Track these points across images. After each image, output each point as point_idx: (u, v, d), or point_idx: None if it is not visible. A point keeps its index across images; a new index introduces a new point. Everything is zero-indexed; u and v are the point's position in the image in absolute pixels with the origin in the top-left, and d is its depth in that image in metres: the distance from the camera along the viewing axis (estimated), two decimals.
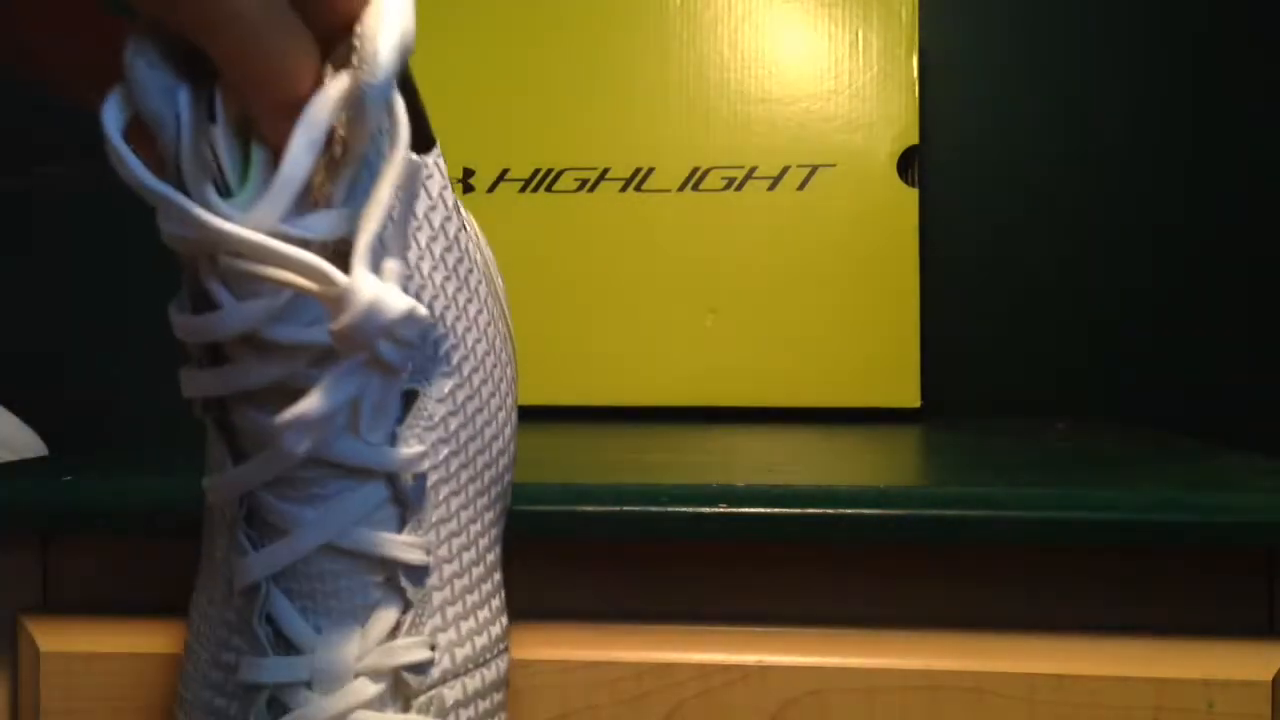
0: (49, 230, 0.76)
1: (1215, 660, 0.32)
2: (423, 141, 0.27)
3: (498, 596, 0.29)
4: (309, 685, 0.24)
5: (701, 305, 0.63)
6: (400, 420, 0.25)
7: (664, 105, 0.64)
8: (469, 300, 0.28)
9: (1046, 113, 0.70)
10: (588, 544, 0.34)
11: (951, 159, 0.70)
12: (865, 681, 0.32)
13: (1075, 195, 0.70)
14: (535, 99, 0.65)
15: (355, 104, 0.20)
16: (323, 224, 0.21)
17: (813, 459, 0.41)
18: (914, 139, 0.63)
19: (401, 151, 0.20)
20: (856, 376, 0.62)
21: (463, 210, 0.30)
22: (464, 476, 0.27)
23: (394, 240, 0.22)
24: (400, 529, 0.25)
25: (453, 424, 0.27)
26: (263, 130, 0.20)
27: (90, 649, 0.34)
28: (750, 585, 0.34)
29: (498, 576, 0.29)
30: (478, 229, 0.32)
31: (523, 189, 0.65)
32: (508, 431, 0.30)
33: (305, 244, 0.21)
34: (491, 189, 0.65)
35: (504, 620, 0.29)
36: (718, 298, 0.63)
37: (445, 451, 0.26)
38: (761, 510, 0.32)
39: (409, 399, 0.25)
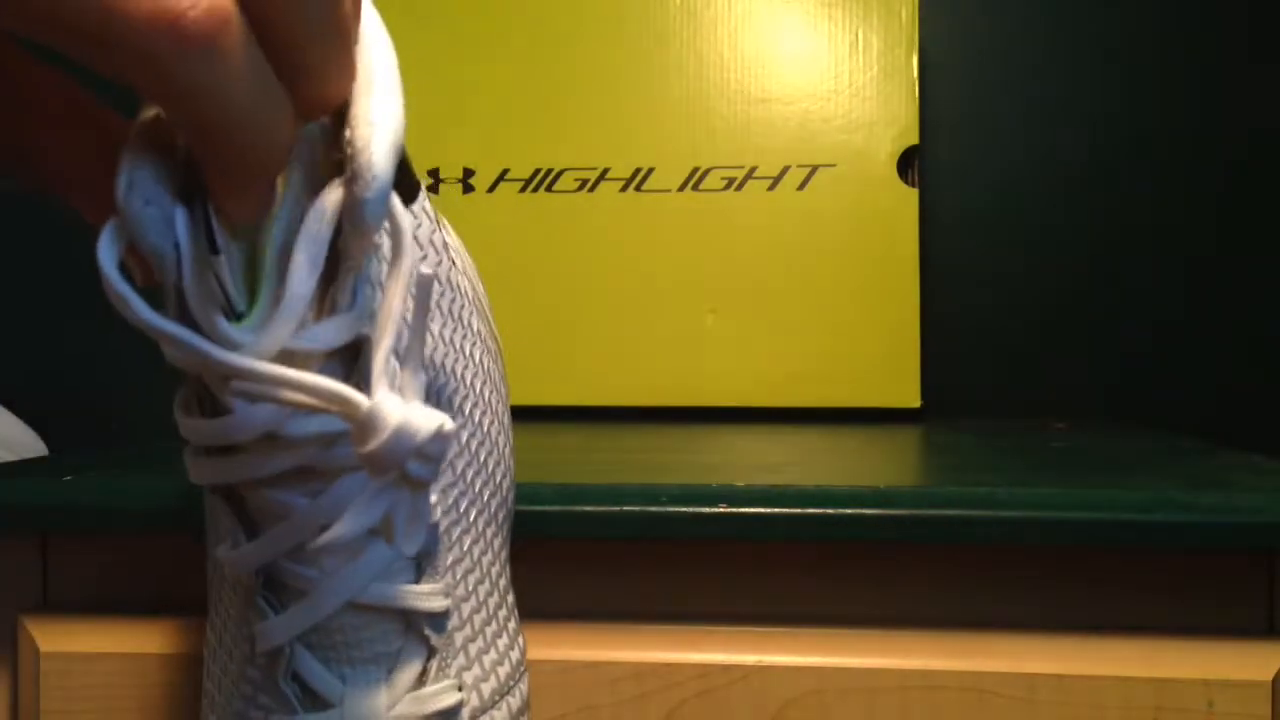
0: (49, 230, 0.76)
1: (1215, 660, 0.32)
2: (409, 191, 0.26)
3: (513, 618, 0.29)
4: None
5: (701, 305, 0.63)
6: None
7: (664, 105, 0.64)
8: (464, 338, 0.28)
9: (1046, 112, 0.70)
10: (588, 544, 0.34)
11: (951, 159, 0.70)
12: (865, 681, 0.32)
13: (1075, 195, 0.70)
14: (535, 99, 0.65)
15: (353, 217, 0.19)
16: (331, 333, 0.21)
17: (813, 459, 0.41)
18: (914, 139, 0.63)
19: (408, 261, 0.20)
20: (856, 376, 0.62)
21: (449, 240, 0.30)
22: (473, 513, 0.27)
23: (412, 350, 0.21)
24: (418, 578, 0.25)
25: (460, 465, 0.27)
26: (225, 206, 0.19)
27: (90, 649, 0.34)
28: (750, 585, 0.34)
29: (510, 598, 0.29)
30: (458, 244, 0.31)
31: (523, 189, 0.65)
32: (507, 453, 0.30)
33: (312, 356, 0.20)
34: (491, 189, 0.65)
35: (521, 641, 0.29)
36: (718, 298, 0.63)
37: (455, 494, 0.26)
38: (761, 510, 0.32)
39: None
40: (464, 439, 0.27)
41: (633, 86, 0.64)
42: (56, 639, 0.34)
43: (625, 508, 0.32)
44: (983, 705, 0.32)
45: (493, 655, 0.27)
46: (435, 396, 0.26)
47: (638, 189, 0.64)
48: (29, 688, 0.34)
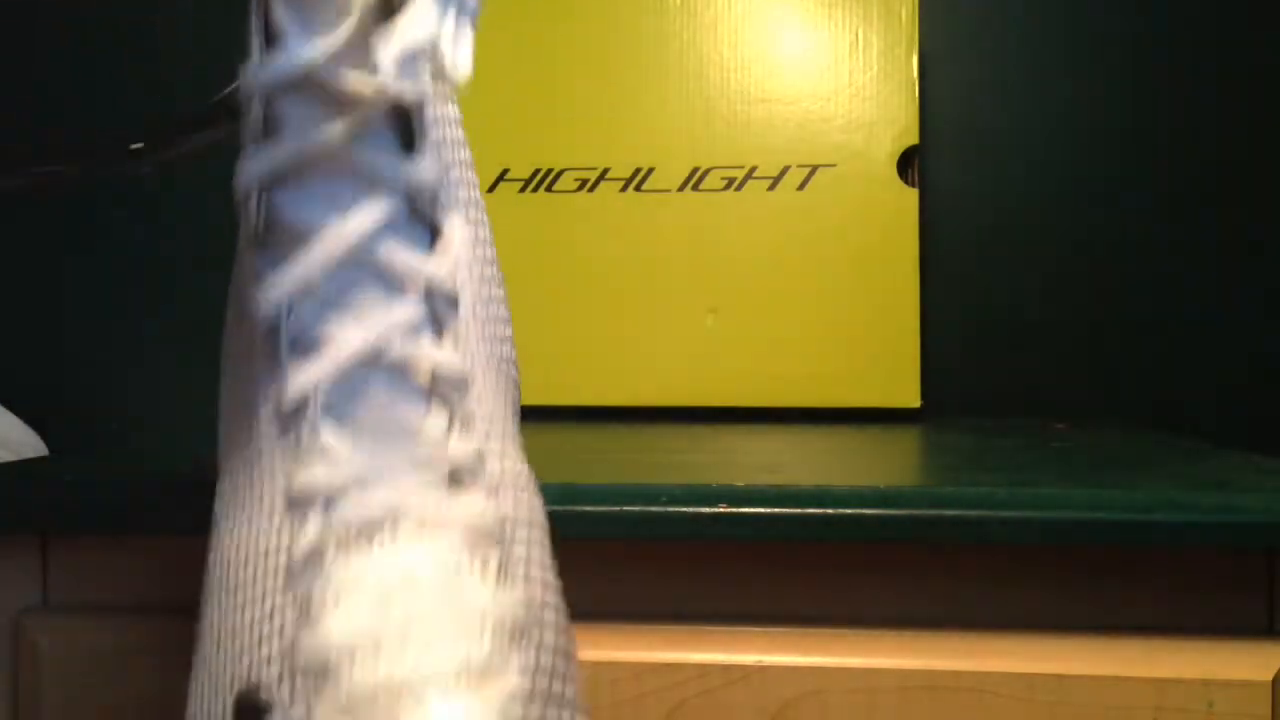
0: (49, 230, 0.76)
1: (1215, 660, 0.32)
2: None
3: (531, 474, 0.28)
4: (362, 487, 0.23)
5: (701, 305, 0.63)
6: (432, 243, 0.25)
7: (664, 105, 0.64)
8: (464, 155, 0.30)
9: (1046, 113, 0.70)
10: (588, 544, 0.34)
11: (951, 159, 0.70)
12: (865, 681, 0.32)
13: (1075, 195, 0.70)
14: (535, 99, 0.65)
15: None
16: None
17: (813, 459, 0.41)
18: (914, 139, 0.63)
19: None
20: (856, 376, 0.62)
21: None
22: (487, 330, 0.27)
23: None
24: (439, 338, 0.25)
25: (476, 252, 0.27)
26: None
27: (90, 649, 0.34)
28: (750, 585, 0.34)
29: (525, 460, 0.29)
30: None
31: (523, 189, 0.65)
32: (504, 309, 0.30)
33: None
34: (491, 189, 0.65)
35: (541, 500, 0.28)
36: (718, 298, 0.63)
37: (469, 290, 0.27)
38: (761, 510, 0.32)
39: (434, 232, 0.25)
40: (474, 236, 0.28)
41: (633, 86, 0.64)
42: (56, 639, 0.34)
43: (625, 508, 0.32)
44: (983, 705, 0.32)
45: (510, 462, 0.26)
46: (453, 182, 0.28)
47: (638, 189, 0.64)
48: (29, 688, 0.34)
